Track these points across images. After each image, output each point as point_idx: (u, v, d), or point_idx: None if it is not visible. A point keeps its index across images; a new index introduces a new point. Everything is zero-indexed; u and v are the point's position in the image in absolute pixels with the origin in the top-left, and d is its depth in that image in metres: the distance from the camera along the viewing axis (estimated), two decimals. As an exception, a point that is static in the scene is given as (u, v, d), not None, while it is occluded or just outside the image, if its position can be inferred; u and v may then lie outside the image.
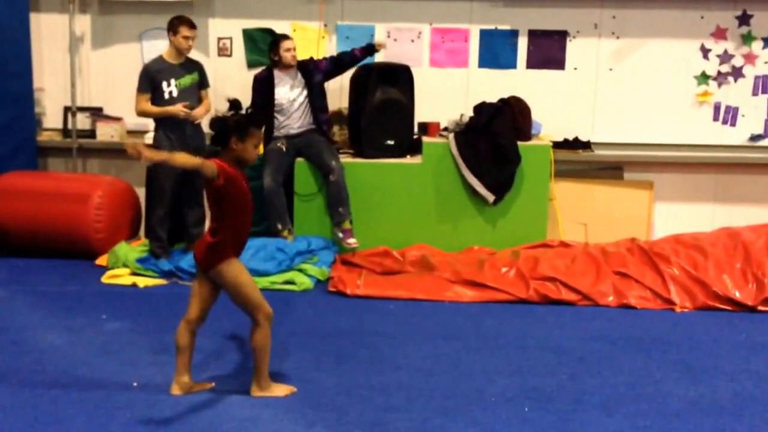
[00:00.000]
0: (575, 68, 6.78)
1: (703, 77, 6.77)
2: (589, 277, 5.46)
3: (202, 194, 6.00)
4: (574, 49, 6.75)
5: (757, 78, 6.76)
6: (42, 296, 5.21)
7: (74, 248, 5.93)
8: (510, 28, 6.74)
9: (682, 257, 5.50)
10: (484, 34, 6.75)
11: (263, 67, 6.30)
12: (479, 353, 4.41)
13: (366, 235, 6.07)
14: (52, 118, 6.94)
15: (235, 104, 3.68)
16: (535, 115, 6.37)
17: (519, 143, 6.13)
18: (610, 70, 6.79)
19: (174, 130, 5.73)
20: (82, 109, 6.86)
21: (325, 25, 6.73)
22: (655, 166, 6.75)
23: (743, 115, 6.80)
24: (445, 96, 6.72)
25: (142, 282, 5.53)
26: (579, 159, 6.62)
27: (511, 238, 6.16)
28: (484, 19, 6.73)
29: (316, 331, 4.65)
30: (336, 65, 6.28)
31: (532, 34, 6.74)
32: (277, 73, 6.14)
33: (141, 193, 6.37)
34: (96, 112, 6.84)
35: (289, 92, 6.12)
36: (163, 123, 5.75)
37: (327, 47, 6.71)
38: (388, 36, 6.73)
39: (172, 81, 5.72)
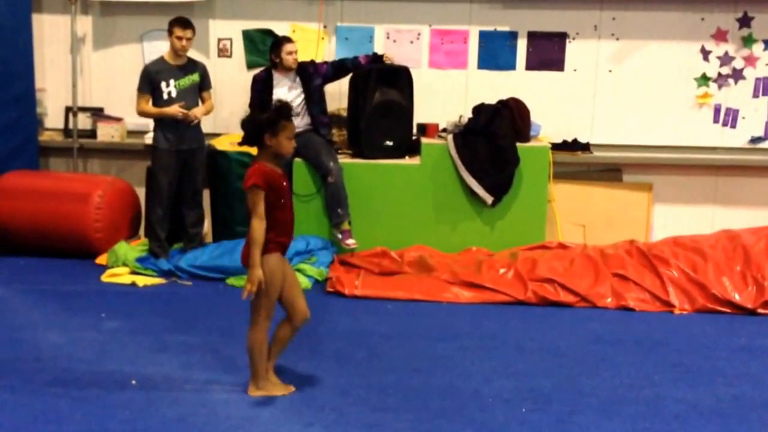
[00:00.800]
0: (575, 70, 6.77)
1: (704, 79, 6.77)
2: (587, 279, 5.46)
3: (202, 194, 6.02)
4: (573, 50, 6.75)
5: (757, 80, 6.75)
6: (42, 295, 5.23)
7: (74, 247, 5.95)
8: (509, 29, 6.73)
9: (681, 259, 5.50)
10: (483, 35, 6.75)
11: (262, 68, 6.31)
12: (477, 354, 4.41)
13: (364, 236, 6.07)
14: (53, 118, 6.96)
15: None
16: (534, 117, 6.36)
17: (518, 145, 6.13)
18: (610, 71, 6.78)
19: (172, 131, 5.74)
20: (83, 110, 6.88)
21: (325, 27, 6.73)
22: (654, 168, 6.73)
23: (743, 118, 6.79)
24: (444, 97, 6.72)
25: (142, 281, 5.55)
26: (578, 161, 6.60)
27: (510, 239, 6.16)
28: (483, 20, 6.73)
29: (314, 331, 4.65)
30: (337, 71, 6.26)
31: (532, 36, 6.74)
32: (275, 74, 6.15)
33: (141, 192, 6.38)
34: (97, 113, 6.85)
35: (287, 93, 6.12)
36: (162, 123, 5.77)
37: (326, 48, 6.72)
38: (387, 37, 6.74)
39: (171, 82, 5.73)
